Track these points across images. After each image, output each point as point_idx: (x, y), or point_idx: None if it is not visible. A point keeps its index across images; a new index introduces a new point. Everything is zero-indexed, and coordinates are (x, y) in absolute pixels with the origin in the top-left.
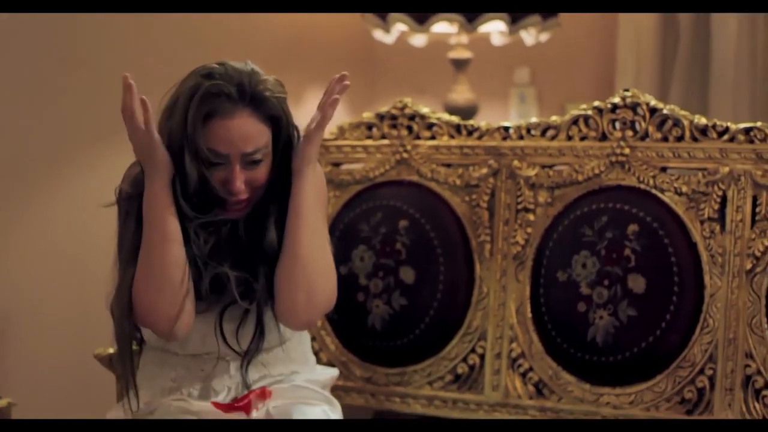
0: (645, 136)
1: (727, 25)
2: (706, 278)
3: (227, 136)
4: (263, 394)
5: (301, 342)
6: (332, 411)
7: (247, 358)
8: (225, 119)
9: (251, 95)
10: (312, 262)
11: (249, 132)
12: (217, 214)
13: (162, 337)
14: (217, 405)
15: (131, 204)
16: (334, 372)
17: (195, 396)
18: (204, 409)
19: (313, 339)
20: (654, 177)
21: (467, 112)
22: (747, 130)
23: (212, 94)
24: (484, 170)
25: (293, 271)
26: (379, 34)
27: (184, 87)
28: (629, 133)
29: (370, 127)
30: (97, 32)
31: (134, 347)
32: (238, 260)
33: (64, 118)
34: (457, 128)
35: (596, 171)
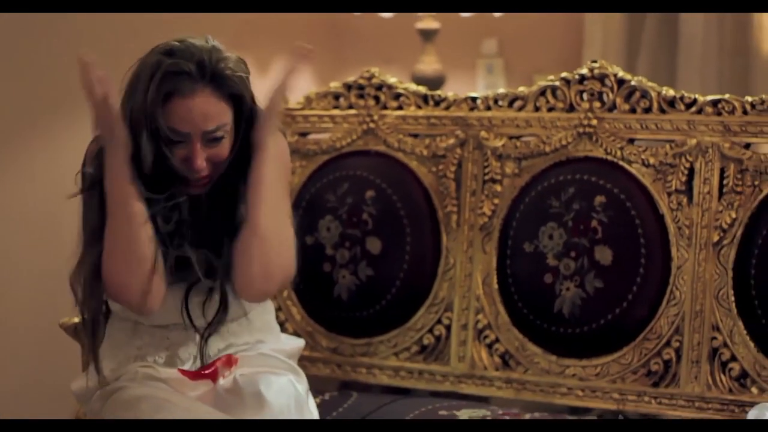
0: (612, 107)
1: None
2: (673, 250)
3: (187, 115)
4: (229, 361)
5: (264, 311)
6: (298, 381)
7: (207, 331)
8: (185, 98)
9: (212, 73)
10: (269, 236)
11: (209, 110)
12: (177, 192)
13: (134, 312)
14: (183, 372)
15: (93, 183)
16: (299, 342)
17: (161, 363)
18: (171, 376)
19: (278, 309)
20: (621, 149)
21: (435, 82)
22: (715, 102)
23: (172, 73)
24: (451, 141)
25: (250, 244)
26: None
27: (144, 65)
28: (597, 104)
29: (337, 96)
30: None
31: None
32: (201, 237)
33: (27, 89)
34: (425, 98)
35: (563, 142)
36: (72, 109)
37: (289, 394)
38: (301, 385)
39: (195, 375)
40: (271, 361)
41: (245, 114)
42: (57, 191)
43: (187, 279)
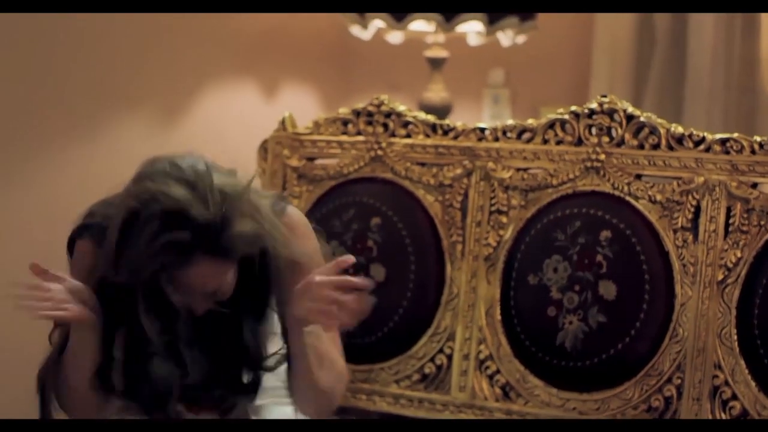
0: (621, 142)
1: (703, 32)
2: (677, 287)
3: (185, 281)
4: None
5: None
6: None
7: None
8: (181, 269)
9: (215, 246)
10: (329, 391)
11: (208, 277)
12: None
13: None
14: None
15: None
16: None
17: None
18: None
19: None
20: (629, 184)
21: (442, 111)
22: (723, 141)
23: (169, 244)
24: (459, 170)
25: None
26: (356, 30)
27: (136, 223)
28: (605, 139)
29: (345, 122)
30: (68, 23)
31: None
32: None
33: (35, 105)
34: (433, 127)
35: (571, 176)
36: (79, 125)
37: None
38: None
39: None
40: (276, 391)
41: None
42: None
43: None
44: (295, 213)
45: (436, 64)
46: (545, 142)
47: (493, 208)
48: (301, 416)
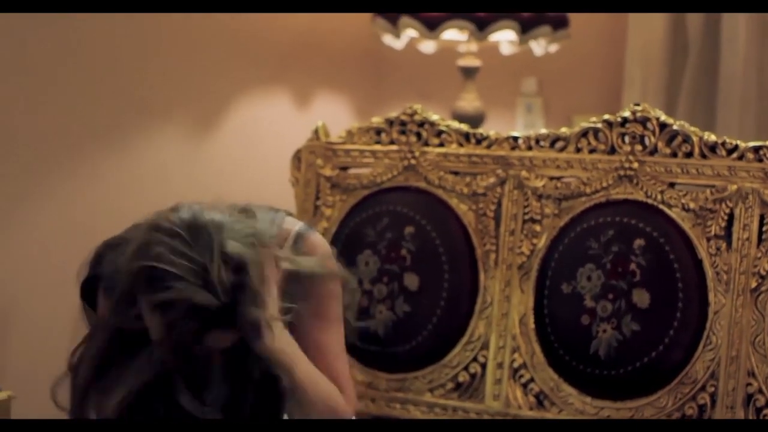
0: (654, 151)
1: (736, 39)
2: (711, 295)
3: None
4: None
5: None
6: None
7: None
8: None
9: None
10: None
11: (223, 341)
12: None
13: None
14: None
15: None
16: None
17: None
18: None
19: None
20: (662, 192)
21: (475, 120)
22: (756, 149)
23: (180, 336)
24: (492, 179)
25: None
26: (388, 39)
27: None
28: (638, 147)
29: (378, 132)
30: (99, 31)
31: None
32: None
33: (65, 115)
34: (466, 136)
35: (604, 184)
36: (107, 133)
37: None
38: None
39: None
40: None
41: None
42: (91, 216)
43: None
44: (317, 239)
45: (468, 73)
46: (578, 150)
47: (526, 217)
48: None
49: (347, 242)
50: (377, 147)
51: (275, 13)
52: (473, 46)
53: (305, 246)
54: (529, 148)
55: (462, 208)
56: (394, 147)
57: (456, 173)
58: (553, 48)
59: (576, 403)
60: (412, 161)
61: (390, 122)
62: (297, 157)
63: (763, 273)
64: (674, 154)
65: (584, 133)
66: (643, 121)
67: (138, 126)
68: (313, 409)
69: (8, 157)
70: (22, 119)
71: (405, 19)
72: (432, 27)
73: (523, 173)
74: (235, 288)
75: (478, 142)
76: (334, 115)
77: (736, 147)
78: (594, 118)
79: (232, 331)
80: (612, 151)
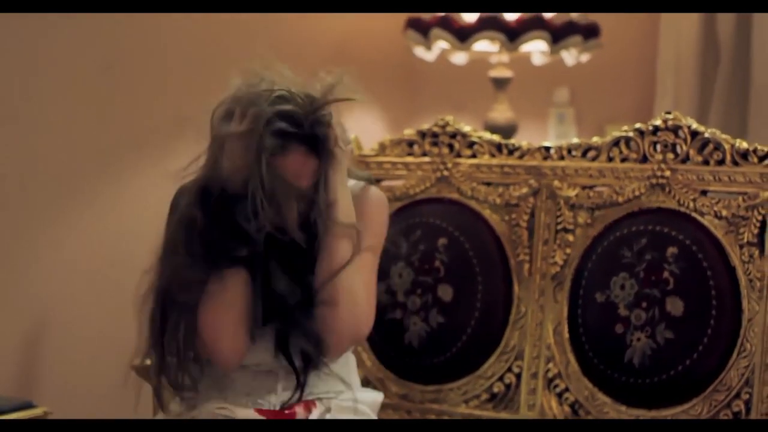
0: (686, 159)
1: (767, 48)
2: (744, 302)
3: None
4: (308, 406)
5: (346, 363)
6: None
7: (305, 373)
8: (281, 154)
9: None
10: (354, 280)
11: (301, 165)
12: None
13: (220, 367)
14: (260, 411)
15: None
16: (379, 396)
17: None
18: (248, 416)
19: None
20: (694, 200)
21: (507, 130)
22: None
23: (273, 134)
24: (525, 190)
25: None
26: (420, 51)
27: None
28: (670, 155)
29: (411, 144)
30: (140, 38)
31: None
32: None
33: (98, 129)
34: (498, 147)
35: (636, 193)
36: (141, 146)
37: None
38: None
39: (272, 414)
40: (357, 414)
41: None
42: (125, 231)
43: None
44: (375, 193)
45: (500, 84)
46: (610, 159)
47: (559, 227)
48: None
49: (381, 255)
50: (410, 159)
51: (307, 27)
52: (504, 57)
53: (364, 192)
54: (561, 157)
55: (495, 219)
56: (426, 159)
57: (488, 184)
58: (585, 57)
59: (611, 412)
60: (445, 173)
61: (422, 134)
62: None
63: None
64: (706, 162)
65: (616, 142)
66: (675, 130)
67: (176, 137)
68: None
69: (41, 168)
70: (57, 131)
71: (436, 31)
72: (463, 38)
73: (556, 183)
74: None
75: (510, 152)
76: (367, 128)
77: None
78: (626, 127)
79: (307, 154)
80: (644, 159)
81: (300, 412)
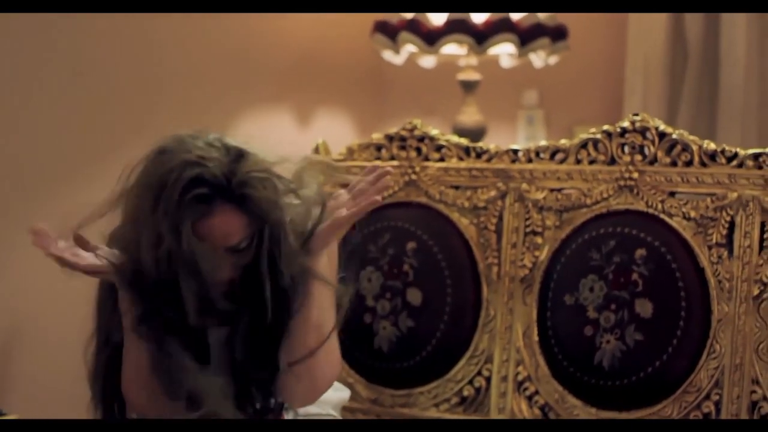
0: (654, 160)
1: (736, 49)
2: (714, 304)
3: (209, 238)
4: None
5: None
6: None
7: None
8: (205, 219)
9: (236, 195)
10: (319, 354)
11: (230, 226)
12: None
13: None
14: None
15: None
16: (345, 394)
17: None
18: None
19: None
20: (662, 202)
21: (476, 133)
22: (756, 156)
23: (192, 199)
24: (493, 193)
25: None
26: (388, 55)
27: (157, 184)
28: (638, 157)
29: (379, 148)
30: (99, 40)
31: None
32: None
33: (68, 126)
34: (466, 150)
35: (605, 195)
36: (111, 146)
37: None
38: None
39: None
40: (315, 413)
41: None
42: (95, 235)
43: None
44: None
45: (469, 87)
46: (578, 162)
47: (528, 230)
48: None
49: (350, 259)
50: (378, 163)
51: (276, 32)
52: (473, 60)
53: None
54: (530, 160)
55: (463, 222)
56: (394, 163)
57: (457, 187)
58: (553, 60)
59: (582, 415)
60: (413, 176)
61: (390, 138)
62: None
63: (765, 280)
64: (674, 163)
65: (584, 145)
66: (643, 131)
67: (139, 145)
68: (311, 334)
69: (12, 172)
70: (24, 135)
71: (404, 35)
72: (431, 42)
73: (524, 186)
74: (239, 162)
75: (479, 155)
76: (335, 132)
77: (736, 155)
78: (593, 129)
79: (237, 212)
80: (612, 161)
81: None
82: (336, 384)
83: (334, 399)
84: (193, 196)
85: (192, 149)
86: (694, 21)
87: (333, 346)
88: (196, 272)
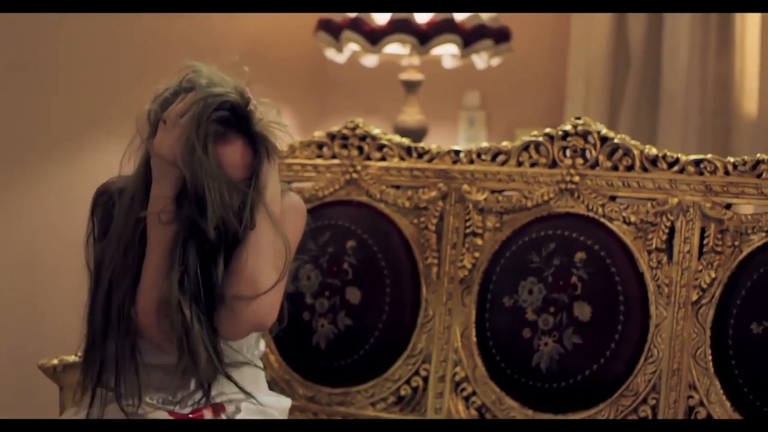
0: (595, 164)
1: (677, 54)
2: (652, 308)
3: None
4: (217, 410)
5: (256, 367)
6: None
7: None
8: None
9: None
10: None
11: (238, 156)
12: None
13: (161, 348)
14: (172, 414)
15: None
16: (287, 402)
17: (154, 405)
18: (158, 417)
19: None
20: (603, 205)
21: (417, 133)
22: (697, 162)
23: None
24: (434, 193)
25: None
26: (331, 53)
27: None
28: (579, 161)
29: (320, 146)
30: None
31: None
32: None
33: (31, 118)
34: (408, 150)
35: (545, 198)
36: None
37: None
38: None
39: (181, 417)
40: (267, 415)
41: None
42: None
43: None
44: (294, 198)
45: (411, 86)
46: (520, 164)
47: (468, 231)
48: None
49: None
50: (319, 161)
51: (218, 28)
52: (415, 60)
53: (284, 196)
54: (471, 161)
55: (404, 222)
56: (336, 161)
57: (398, 187)
58: (495, 62)
59: (518, 416)
60: (354, 175)
61: (332, 136)
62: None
63: (704, 286)
64: (615, 168)
65: (525, 147)
66: (585, 135)
67: (88, 137)
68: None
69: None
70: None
71: (347, 33)
72: (374, 41)
73: (465, 187)
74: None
75: (420, 156)
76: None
77: (677, 160)
78: (535, 132)
79: (245, 145)
80: (553, 164)
81: (207, 415)
82: (275, 396)
83: (278, 405)
84: (216, 117)
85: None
86: (636, 25)
87: (269, 298)
88: (221, 182)
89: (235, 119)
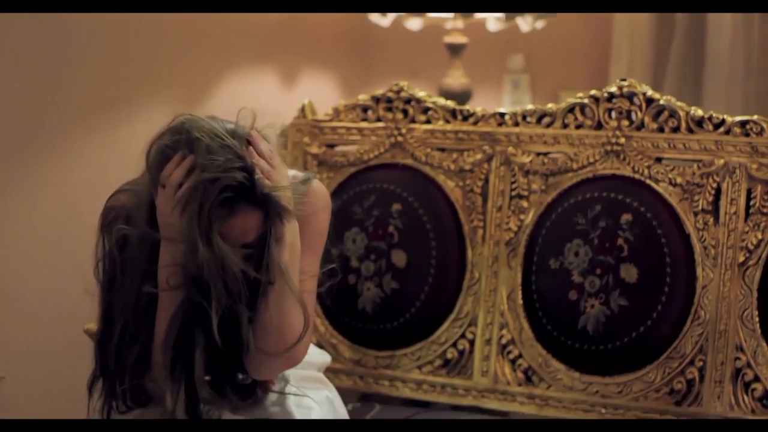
0: (641, 126)
1: (722, 17)
2: (699, 270)
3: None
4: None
5: None
6: (333, 395)
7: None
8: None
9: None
10: (271, 323)
11: (249, 225)
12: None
13: None
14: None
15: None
16: (326, 358)
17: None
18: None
19: None
20: (649, 167)
21: (461, 97)
22: (743, 123)
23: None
24: (479, 156)
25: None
26: (375, 17)
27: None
28: (625, 122)
29: (365, 109)
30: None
31: None
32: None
33: (49, 100)
34: (453, 113)
35: (591, 159)
36: (93, 119)
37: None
38: (337, 398)
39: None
40: (305, 375)
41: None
42: (76, 202)
43: None
44: (319, 187)
45: (455, 50)
46: (565, 126)
47: (513, 193)
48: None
49: (334, 220)
50: (364, 124)
51: None
52: (459, 23)
53: (308, 188)
54: (516, 124)
55: (449, 185)
56: (380, 124)
57: (443, 150)
58: (540, 24)
59: (564, 379)
60: (399, 138)
61: (376, 99)
62: (284, 135)
63: (750, 247)
64: (661, 129)
65: (571, 109)
66: (630, 96)
67: (125, 104)
68: (274, 329)
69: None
70: (8, 104)
71: None
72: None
73: (510, 149)
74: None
75: (465, 118)
76: (321, 93)
77: (723, 121)
78: (581, 94)
79: (255, 212)
80: (599, 126)
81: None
82: (317, 350)
83: (319, 361)
84: (218, 201)
85: (207, 158)
86: None
87: (301, 344)
88: (225, 274)
89: (240, 193)
